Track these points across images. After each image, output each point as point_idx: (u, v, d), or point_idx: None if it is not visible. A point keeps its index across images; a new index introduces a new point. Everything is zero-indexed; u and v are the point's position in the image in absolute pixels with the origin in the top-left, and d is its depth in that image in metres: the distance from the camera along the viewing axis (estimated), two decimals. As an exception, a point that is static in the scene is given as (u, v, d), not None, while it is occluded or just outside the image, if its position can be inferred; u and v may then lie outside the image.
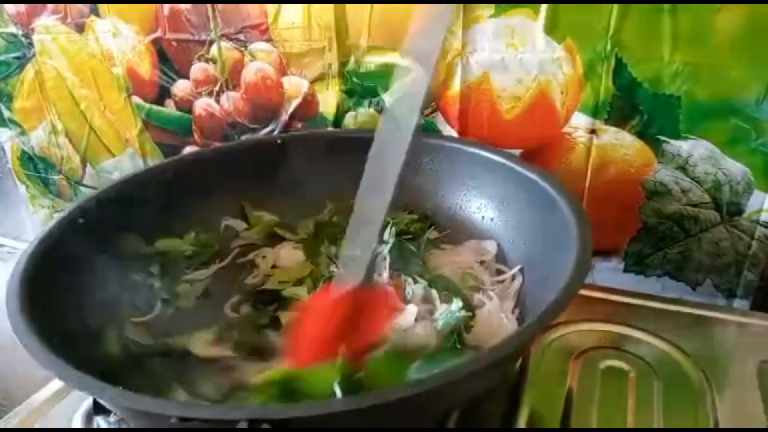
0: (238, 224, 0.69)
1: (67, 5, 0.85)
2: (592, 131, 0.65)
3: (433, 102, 0.71)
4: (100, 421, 0.50)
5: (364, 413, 0.35)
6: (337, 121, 0.77)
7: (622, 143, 0.64)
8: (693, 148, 0.62)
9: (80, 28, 0.87)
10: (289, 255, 0.65)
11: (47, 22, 0.88)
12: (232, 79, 0.81)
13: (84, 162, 0.99)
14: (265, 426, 0.33)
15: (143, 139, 0.91)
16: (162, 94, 0.86)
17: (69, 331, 0.46)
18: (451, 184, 0.67)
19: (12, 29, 0.91)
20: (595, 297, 0.64)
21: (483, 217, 0.65)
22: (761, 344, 0.57)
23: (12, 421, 0.53)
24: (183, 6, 0.78)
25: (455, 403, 0.46)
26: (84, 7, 0.85)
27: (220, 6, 0.76)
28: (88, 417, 0.52)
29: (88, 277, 0.54)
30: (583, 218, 0.50)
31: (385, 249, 0.59)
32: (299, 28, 0.73)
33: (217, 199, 0.67)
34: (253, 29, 0.76)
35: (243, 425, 0.33)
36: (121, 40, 0.84)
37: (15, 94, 0.98)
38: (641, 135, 0.63)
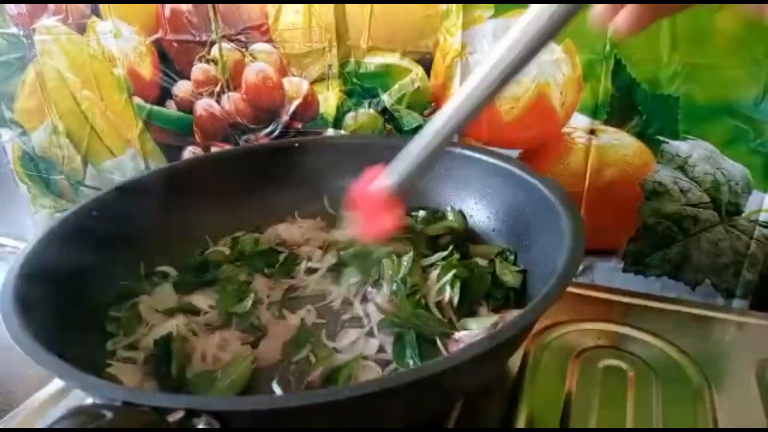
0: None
1: (68, 6, 0.86)
2: (591, 132, 0.65)
3: (433, 102, 0.71)
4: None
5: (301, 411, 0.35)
6: (337, 121, 0.77)
7: (621, 144, 0.64)
8: (692, 149, 0.62)
9: (81, 29, 0.87)
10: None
11: (48, 22, 0.88)
12: (232, 79, 0.81)
13: (85, 162, 0.99)
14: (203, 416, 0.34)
15: (144, 140, 0.91)
16: (163, 95, 0.87)
17: (64, 330, 0.46)
18: (449, 187, 0.67)
19: (13, 30, 0.91)
20: (594, 297, 0.64)
21: (482, 220, 0.66)
22: (760, 344, 0.58)
23: (12, 421, 0.53)
24: (184, 7, 0.78)
25: (442, 398, 0.46)
26: (85, 8, 0.85)
27: (221, 7, 0.76)
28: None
29: (85, 277, 0.54)
30: (576, 215, 0.51)
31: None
32: (300, 29, 0.73)
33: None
34: (253, 30, 0.76)
35: (180, 415, 0.33)
36: (122, 40, 0.85)
37: (16, 95, 0.98)
38: (640, 135, 0.63)
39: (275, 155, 0.73)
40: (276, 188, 0.70)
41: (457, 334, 0.50)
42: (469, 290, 0.55)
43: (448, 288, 0.54)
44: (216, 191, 0.67)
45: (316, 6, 0.71)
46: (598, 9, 0.36)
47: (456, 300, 0.54)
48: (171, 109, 0.87)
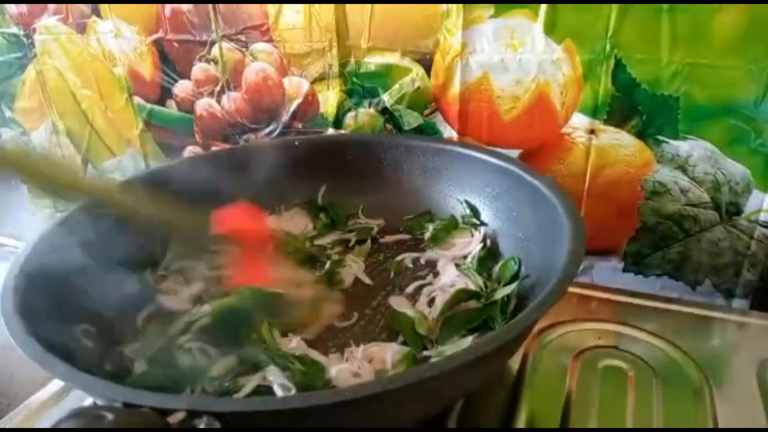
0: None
1: (69, 6, 0.85)
2: (592, 131, 0.65)
3: (433, 102, 0.71)
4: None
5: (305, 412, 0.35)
6: (338, 121, 0.77)
7: (621, 143, 0.64)
8: (692, 149, 0.62)
9: (81, 29, 0.87)
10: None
11: (49, 22, 0.88)
12: (233, 79, 0.81)
13: (85, 162, 0.99)
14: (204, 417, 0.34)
15: (144, 140, 0.91)
16: (163, 95, 0.87)
17: (64, 331, 0.46)
18: (449, 186, 0.68)
19: (13, 30, 0.91)
20: (594, 296, 0.64)
21: (482, 220, 0.66)
22: (760, 344, 0.58)
23: (12, 421, 0.53)
24: (184, 7, 0.78)
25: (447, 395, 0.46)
26: (85, 8, 0.85)
27: (221, 7, 0.76)
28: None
29: (85, 277, 0.54)
30: (576, 215, 0.51)
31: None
32: (300, 28, 0.73)
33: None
34: (254, 30, 0.76)
35: (181, 415, 0.33)
36: (123, 40, 0.85)
37: (16, 95, 0.98)
38: (640, 135, 0.63)
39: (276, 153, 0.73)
40: (274, 184, 0.70)
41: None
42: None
43: None
44: (215, 187, 0.67)
45: (317, 6, 0.71)
46: None
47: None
48: (171, 108, 0.87)
